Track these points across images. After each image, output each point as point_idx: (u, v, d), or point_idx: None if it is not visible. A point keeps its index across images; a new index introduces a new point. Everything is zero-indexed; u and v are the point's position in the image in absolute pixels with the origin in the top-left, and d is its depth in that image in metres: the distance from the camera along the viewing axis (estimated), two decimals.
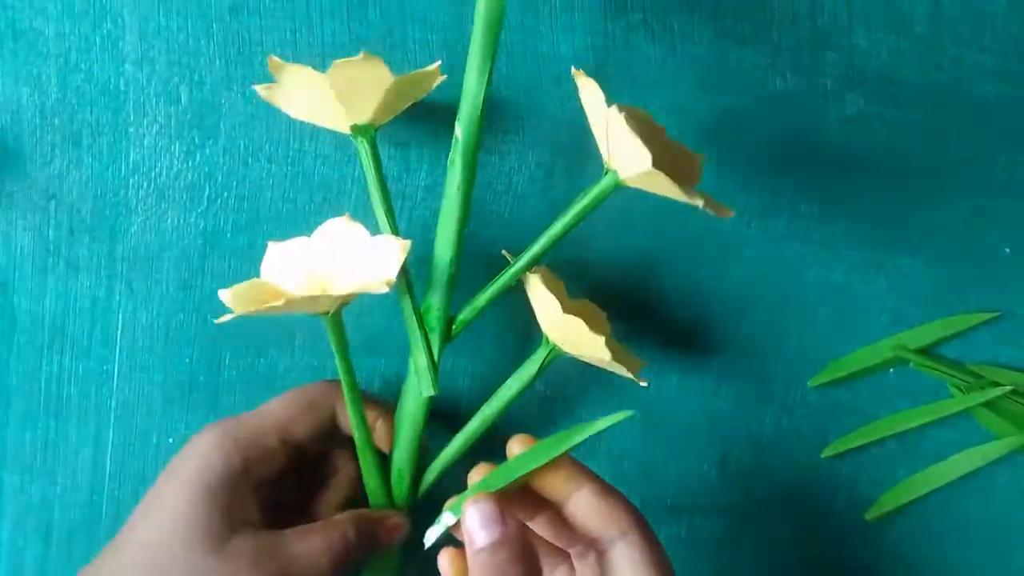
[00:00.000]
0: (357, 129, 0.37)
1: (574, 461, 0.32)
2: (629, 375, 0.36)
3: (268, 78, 0.37)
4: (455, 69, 0.37)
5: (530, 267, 0.37)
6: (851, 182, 0.43)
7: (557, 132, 0.42)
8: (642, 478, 0.43)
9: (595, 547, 0.32)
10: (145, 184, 0.41)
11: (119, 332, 0.41)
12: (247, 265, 0.41)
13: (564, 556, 0.34)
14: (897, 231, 0.43)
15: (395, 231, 0.37)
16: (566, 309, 0.36)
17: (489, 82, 0.35)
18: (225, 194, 0.41)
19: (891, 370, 0.43)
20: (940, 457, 0.43)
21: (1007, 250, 0.43)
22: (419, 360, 0.37)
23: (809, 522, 0.43)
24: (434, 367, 0.37)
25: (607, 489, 0.32)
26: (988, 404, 0.42)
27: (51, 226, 0.41)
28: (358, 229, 0.36)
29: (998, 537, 0.44)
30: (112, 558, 0.33)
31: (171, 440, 0.42)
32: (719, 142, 0.42)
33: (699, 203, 0.33)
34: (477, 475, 0.33)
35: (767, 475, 0.43)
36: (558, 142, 0.42)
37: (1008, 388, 0.42)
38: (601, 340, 0.35)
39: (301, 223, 0.41)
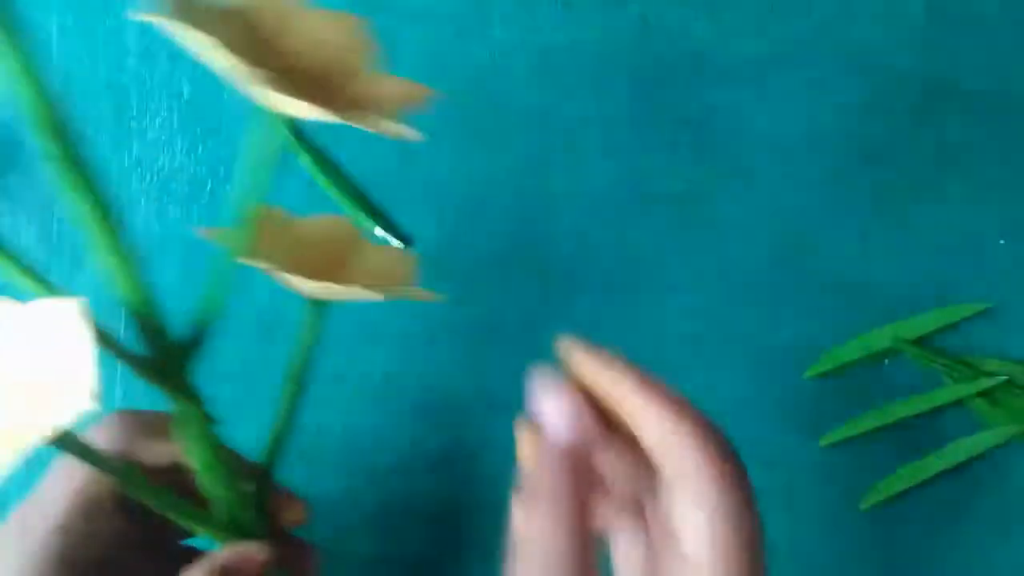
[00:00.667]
0: None
1: (642, 373, 0.28)
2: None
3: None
4: None
5: None
6: (847, 174, 0.43)
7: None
8: None
9: (668, 475, 0.26)
10: (148, 177, 0.41)
11: (122, 326, 0.42)
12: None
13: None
14: (893, 222, 0.44)
15: None
16: (304, 238, 0.32)
17: None
18: (227, 187, 0.41)
19: (886, 361, 0.44)
20: (934, 447, 0.43)
21: (1001, 241, 0.44)
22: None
23: (805, 511, 0.44)
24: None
25: (685, 410, 0.27)
26: (982, 394, 0.43)
27: (55, 221, 0.41)
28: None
29: (991, 525, 0.44)
30: None
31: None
32: (717, 132, 0.43)
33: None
34: (580, 359, 0.28)
35: (763, 464, 0.44)
36: None
37: (1002, 378, 0.42)
38: (357, 288, 0.29)
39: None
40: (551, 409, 0.26)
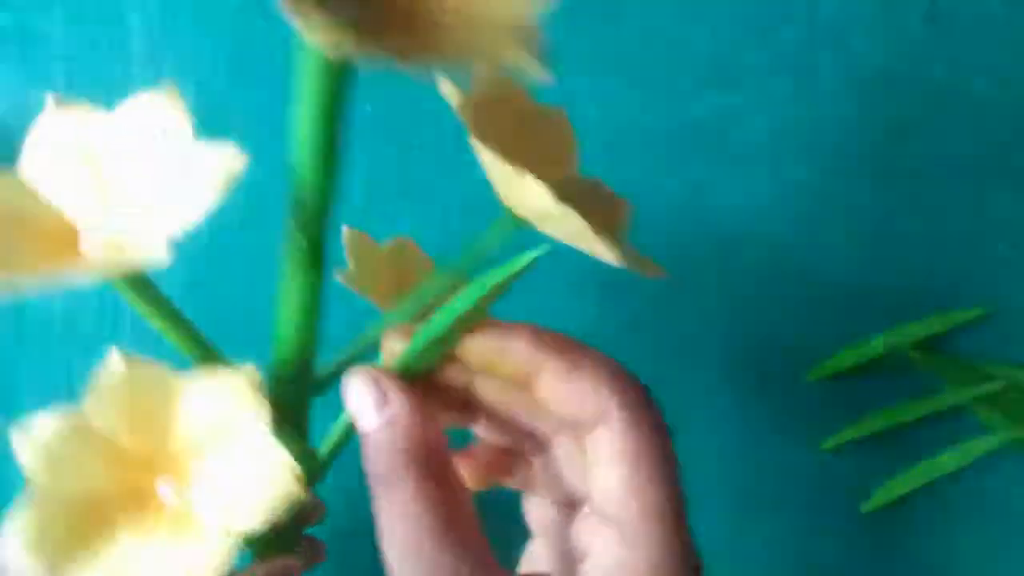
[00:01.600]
0: None
1: (533, 333, 0.25)
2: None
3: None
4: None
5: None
6: (848, 181, 0.44)
7: None
8: None
9: (575, 433, 0.25)
10: None
11: (128, 327, 0.42)
12: (254, 263, 0.42)
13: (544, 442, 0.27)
14: (894, 228, 0.44)
15: None
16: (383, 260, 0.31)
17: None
18: (233, 194, 0.42)
19: (886, 365, 0.44)
20: (936, 451, 0.43)
21: (1001, 247, 0.44)
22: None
23: (807, 514, 0.44)
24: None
25: (578, 364, 0.24)
26: (983, 398, 0.43)
27: None
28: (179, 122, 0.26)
29: (993, 529, 0.44)
30: None
31: None
32: (715, 141, 0.43)
33: (617, 259, 0.26)
34: (393, 342, 0.26)
35: (765, 467, 0.44)
36: None
37: (1003, 382, 0.43)
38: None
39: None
40: (353, 399, 0.25)
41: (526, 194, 0.25)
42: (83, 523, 0.25)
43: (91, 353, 0.42)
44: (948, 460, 0.43)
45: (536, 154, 0.25)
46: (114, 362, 0.26)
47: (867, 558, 0.44)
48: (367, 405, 0.24)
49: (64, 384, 0.42)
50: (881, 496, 0.44)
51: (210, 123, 0.41)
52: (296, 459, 0.24)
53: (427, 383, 0.25)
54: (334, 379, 0.28)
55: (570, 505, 0.26)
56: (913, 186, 0.44)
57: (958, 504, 0.44)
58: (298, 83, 0.23)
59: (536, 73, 0.22)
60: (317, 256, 0.26)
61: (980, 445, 0.43)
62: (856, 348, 0.44)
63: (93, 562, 0.25)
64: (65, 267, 0.24)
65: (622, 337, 0.43)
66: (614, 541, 0.23)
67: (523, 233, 0.28)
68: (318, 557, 0.31)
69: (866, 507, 0.44)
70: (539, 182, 0.24)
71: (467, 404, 0.26)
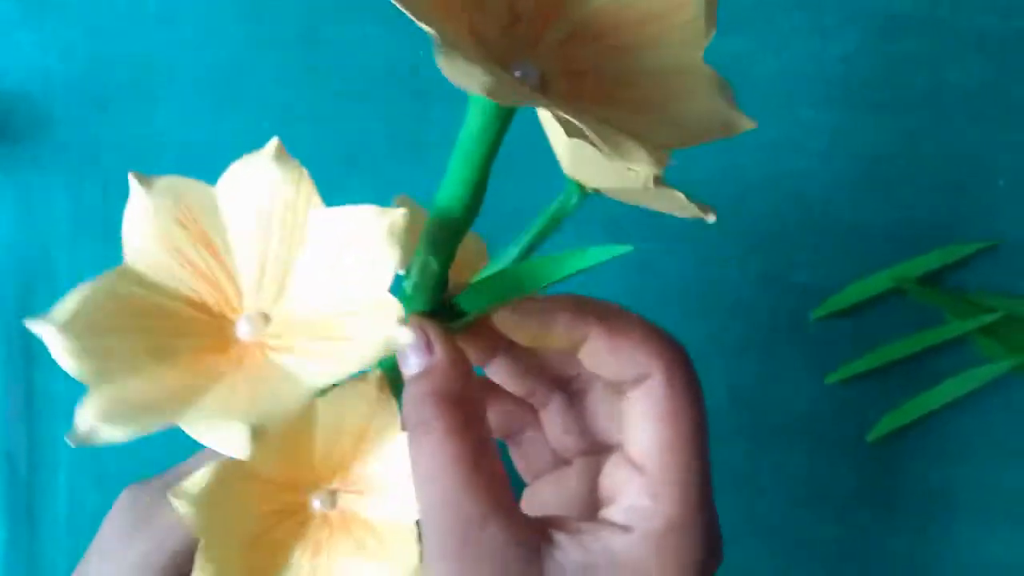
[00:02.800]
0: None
1: (575, 303, 0.26)
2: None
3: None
4: None
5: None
6: (851, 118, 0.44)
7: None
8: None
9: (615, 389, 0.26)
10: (175, 146, 0.43)
11: None
12: None
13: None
14: (896, 165, 0.45)
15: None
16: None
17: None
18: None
19: (890, 300, 0.45)
20: (938, 381, 0.45)
21: (1001, 182, 0.45)
22: None
23: (816, 445, 0.45)
24: None
25: (621, 329, 0.25)
26: (984, 329, 0.44)
27: (87, 189, 0.43)
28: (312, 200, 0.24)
29: (993, 455, 0.46)
30: None
31: None
32: (728, 81, 0.44)
33: (711, 216, 0.27)
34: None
35: (776, 402, 0.45)
36: None
37: (1002, 313, 0.44)
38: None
39: (329, 183, 0.42)
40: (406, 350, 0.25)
41: (619, 173, 0.26)
42: (257, 558, 0.26)
43: None
44: (950, 389, 0.45)
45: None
46: None
47: (873, 485, 0.46)
48: (412, 351, 0.24)
49: None
50: (886, 425, 0.45)
51: (229, 81, 0.42)
52: None
53: (469, 328, 0.26)
54: None
55: (595, 452, 0.27)
56: (914, 122, 0.44)
57: (961, 432, 0.46)
58: (466, 124, 0.22)
59: (748, 124, 0.23)
60: (441, 283, 0.25)
61: (981, 374, 0.45)
62: (860, 285, 0.45)
63: None
64: (254, 377, 0.22)
65: (632, 278, 0.44)
66: (642, 491, 0.24)
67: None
68: None
69: (872, 436, 0.45)
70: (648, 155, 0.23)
71: (502, 349, 0.27)
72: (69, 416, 0.43)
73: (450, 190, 0.24)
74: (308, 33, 0.42)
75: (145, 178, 0.24)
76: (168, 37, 0.42)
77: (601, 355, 0.25)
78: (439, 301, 0.26)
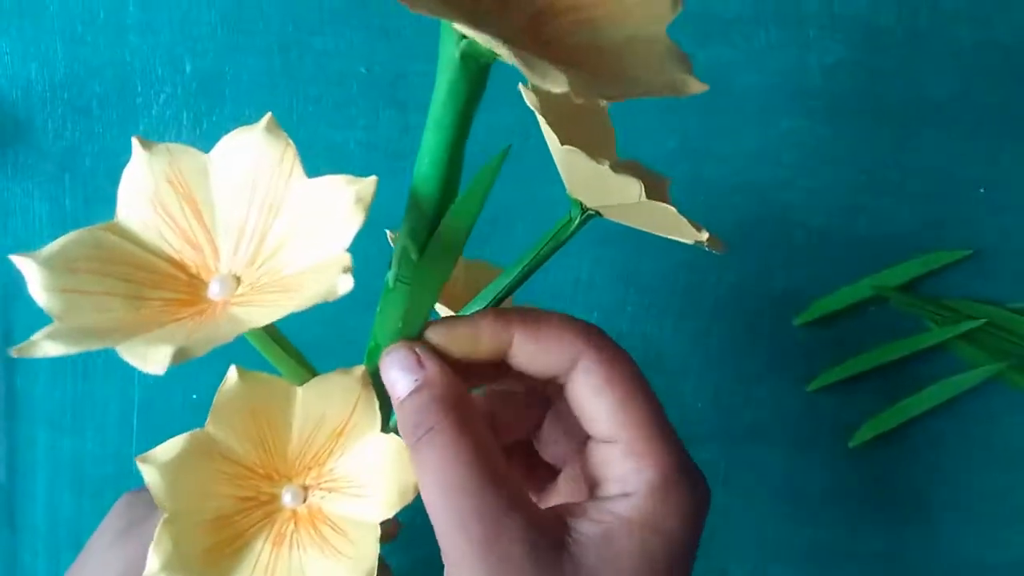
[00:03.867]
0: None
1: (495, 313, 0.27)
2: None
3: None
4: None
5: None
6: (833, 128, 0.45)
7: None
8: None
9: (561, 384, 0.27)
10: None
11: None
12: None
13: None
14: (877, 175, 0.45)
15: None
16: (459, 278, 0.33)
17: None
18: None
19: (871, 308, 0.46)
20: (919, 387, 0.45)
21: (981, 190, 0.45)
22: None
23: (797, 450, 0.46)
24: None
25: (540, 325, 0.26)
26: (963, 336, 0.45)
27: (67, 196, 0.43)
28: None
29: (972, 461, 0.46)
30: None
31: (195, 396, 0.44)
32: (705, 93, 0.44)
33: (703, 239, 0.28)
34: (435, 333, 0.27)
35: (757, 408, 0.46)
36: None
37: (982, 321, 0.44)
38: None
39: None
40: (391, 368, 0.26)
41: (618, 194, 0.26)
42: (218, 539, 0.26)
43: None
44: (932, 396, 0.45)
45: (589, 144, 0.26)
46: (232, 378, 0.25)
47: (854, 490, 0.46)
48: (405, 369, 0.25)
49: (83, 394, 0.44)
50: (867, 431, 0.45)
51: (208, 89, 0.42)
52: None
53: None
54: None
55: (582, 447, 0.28)
56: (894, 132, 0.45)
57: (942, 437, 0.46)
58: (435, 90, 0.23)
59: (697, 88, 0.24)
60: (434, 277, 0.26)
61: (962, 381, 0.45)
62: (841, 292, 0.45)
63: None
64: (205, 322, 0.23)
65: (616, 288, 0.45)
66: (620, 456, 0.25)
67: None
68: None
69: (853, 442, 0.46)
70: (634, 179, 0.26)
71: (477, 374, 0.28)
72: (49, 422, 0.43)
73: (423, 164, 0.24)
74: (288, 41, 0.42)
75: (147, 142, 0.26)
76: (148, 44, 0.42)
77: (530, 351, 0.26)
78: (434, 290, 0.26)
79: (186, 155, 0.25)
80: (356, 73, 0.42)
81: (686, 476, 0.25)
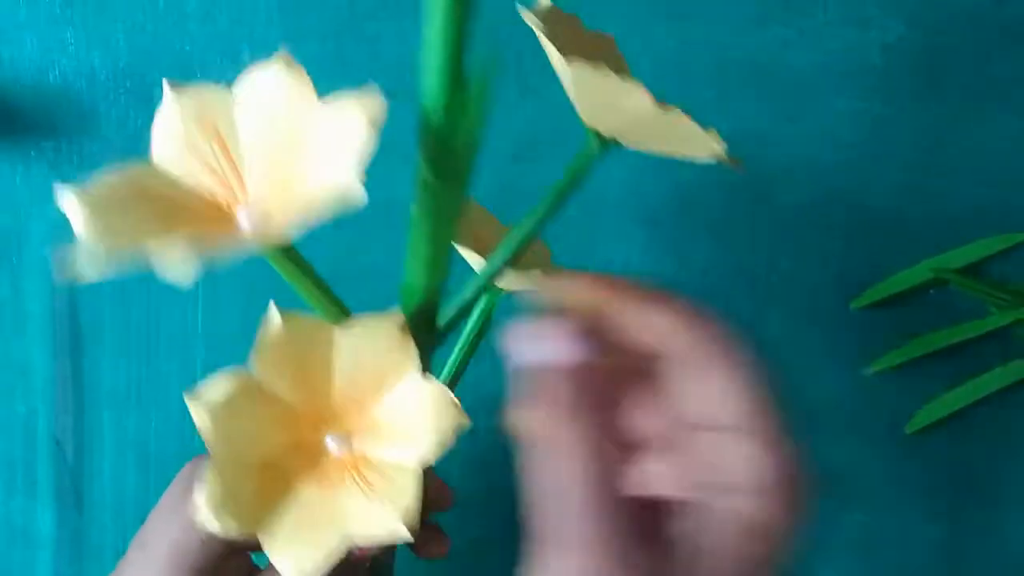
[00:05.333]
0: None
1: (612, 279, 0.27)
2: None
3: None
4: None
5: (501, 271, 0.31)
6: (893, 108, 0.44)
7: None
8: None
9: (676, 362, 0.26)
10: None
11: (200, 277, 0.44)
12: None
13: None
14: (937, 155, 0.44)
15: None
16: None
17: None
18: None
19: (931, 291, 0.45)
20: (978, 373, 0.44)
21: None
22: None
23: (855, 436, 0.45)
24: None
25: (659, 298, 0.26)
26: None
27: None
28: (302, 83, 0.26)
29: None
30: None
31: None
32: (763, 74, 0.43)
33: (720, 151, 0.28)
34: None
35: (814, 393, 0.45)
36: None
37: None
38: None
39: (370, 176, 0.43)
40: (541, 342, 0.26)
41: (626, 104, 0.26)
42: (264, 483, 0.27)
43: (166, 299, 0.44)
44: (992, 381, 0.44)
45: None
46: (273, 318, 0.27)
47: (911, 477, 0.46)
48: (567, 338, 0.26)
49: (144, 328, 0.45)
50: (925, 417, 0.45)
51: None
52: None
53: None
54: (454, 327, 0.30)
55: (689, 429, 0.26)
56: (955, 112, 0.44)
57: (999, 425, 0.45)
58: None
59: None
60: (451, 199, 0.27)
61: (1021, 367, 0.44)
62: (901, 275, 0.44)
63: (279, 519, 0.26)
64: (228, 243, 0.24)
65: (672, 269, 0.44)
66: (734, 446, 0.24)
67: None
68: (439, 546, 0.33)
69: (911, 428, 0.45)
70: (641, 87, 0.25)
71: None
72: (115, 404, 0.45)
73: (427, 69, 0.25)
74: (345, 28, 0.42)
75: (177, 84, 0.27)
76: (206, 33, 0.43)
77: (648, 324, 0.26)
78: (451, 225, 0.27)
79: (212, 94, 0.27)
80: (412, 61, 0.43)
81: (802, 476, 0.24)
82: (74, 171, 0.44)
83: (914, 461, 0.45)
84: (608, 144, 0.29)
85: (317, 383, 0.27)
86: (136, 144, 0.43)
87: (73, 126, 0.43)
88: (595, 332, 0.26)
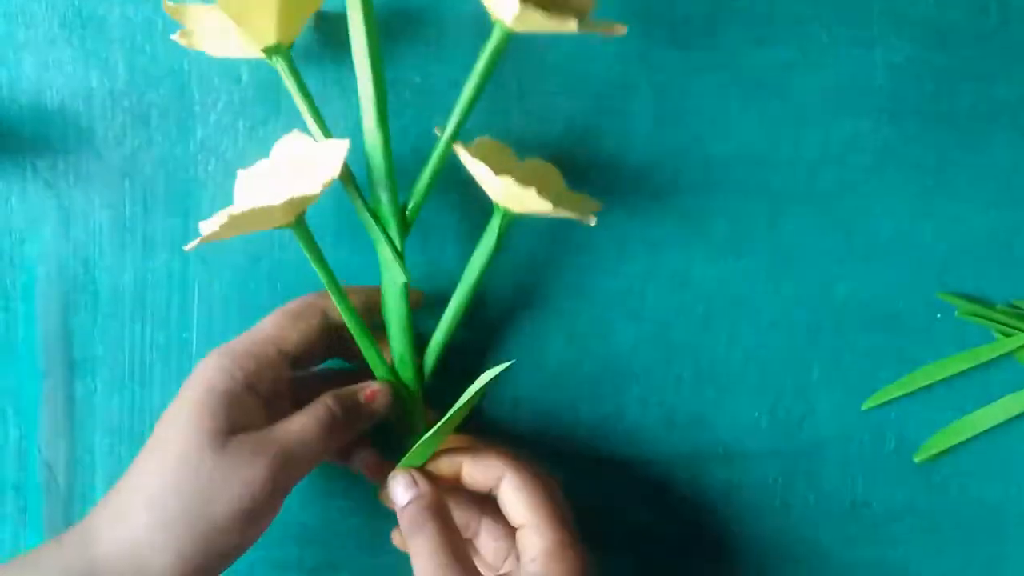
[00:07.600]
0: (268, 51, 0.39)
1: (456, 442, 0.41)
2: (580, 217, 0.39)
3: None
4: None
5: (455, 137, 0.39)
6: (899, 130, 0.43)
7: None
8: (694, 427, 0.44)
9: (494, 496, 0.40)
10: (213, 160, 0.43)
11: (195, 302, 0.44)
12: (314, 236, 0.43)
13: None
14: (945, 178, 0.44)
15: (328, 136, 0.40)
16: (515, 172, 0.37)
17: None
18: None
19: (937, 316, 0.44)
20: (986, 400, 0.44)
21: None
22: (384, 253, 0.40)
23: (859, 465, 0.45)
24: (399, 255, 0.40)
25: (479, 451, 0.40)
26: None
27: (127, 204, 0.43)
28: (305, 140, 0.38)
29: None
30: (139, 463, 0.37)
31: None
32: (767, 94, 0.43)
33: (573, 27, 0.34)
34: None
35: (817, 420, 0.45)
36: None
37: None
38: (532, 190, 0.36)
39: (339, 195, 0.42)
40: (397, 487, 0.39)
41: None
42: None
43: (161, 327, 0.44)
44: (1001, 408, 0.44)
45: None
46: None
47: (920, 507, 0.45)
48: (404, 487, 0.39)
49: (138, 357, 0.44)
50: (933, 445, 0.44)
51: (264, 97, 0.42)
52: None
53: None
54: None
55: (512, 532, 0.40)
56: (963, 134, 0.44)
57: (1009, 453, 0.45)
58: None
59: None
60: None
61: None
62: (906, 300, 0.44)
63: None
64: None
65: (669, 298, 0.44)
66: (529, 534, 0.38)
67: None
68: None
69: (919, 456, 0.44)
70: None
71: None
72: (108, 429, 0.44)
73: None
74: (340, 52, 0.42)
75: None
76: (204, 54, 0.42)
77: (474, 471, 0.40)
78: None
79: None
80: (410, 82, 0.43)
81: (572, 546, 0.37)
82: (70, 189, 0.43)
83: (923, 491, 0.45)
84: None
85: None
86: (131, 163, 0.44)
87: (70, 146, 0.43)
88: (448, 477, 0.40)
